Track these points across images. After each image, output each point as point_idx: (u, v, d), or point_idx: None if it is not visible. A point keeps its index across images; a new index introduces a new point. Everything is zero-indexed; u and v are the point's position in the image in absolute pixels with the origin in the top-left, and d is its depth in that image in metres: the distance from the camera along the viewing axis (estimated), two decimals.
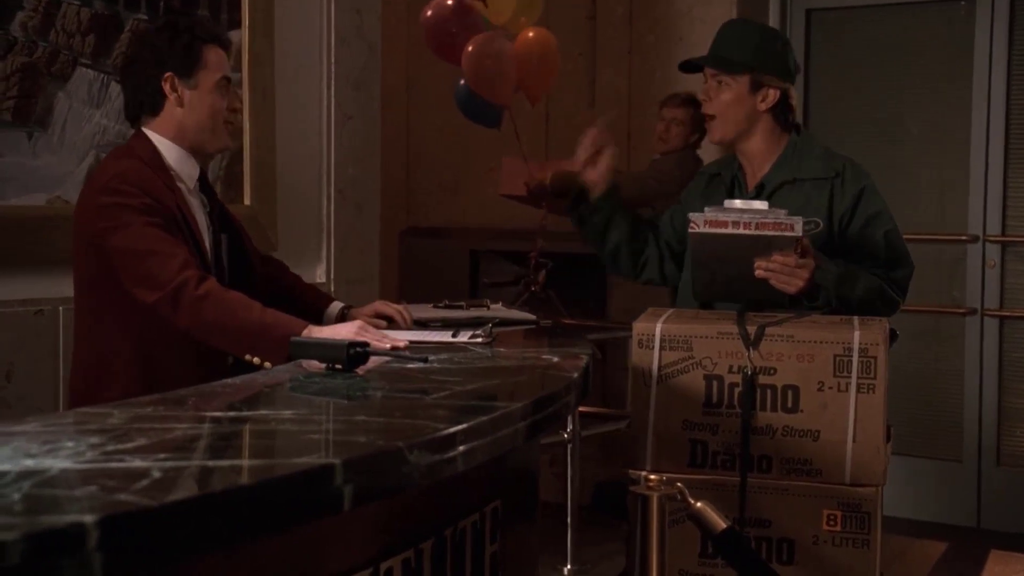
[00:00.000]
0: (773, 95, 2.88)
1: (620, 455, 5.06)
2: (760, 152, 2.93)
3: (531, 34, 4.58)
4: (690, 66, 3.03)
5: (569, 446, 4.14)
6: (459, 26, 4.45)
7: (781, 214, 2.64)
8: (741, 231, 2.63)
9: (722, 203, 2.82)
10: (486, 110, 4.64)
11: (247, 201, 3.59)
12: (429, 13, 4.53)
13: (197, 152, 2.56)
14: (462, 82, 4.69)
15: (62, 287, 2.87)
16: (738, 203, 2.73)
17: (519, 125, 4.82)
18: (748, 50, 2.89)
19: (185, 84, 2.48)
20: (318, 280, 3.94)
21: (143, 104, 2.52)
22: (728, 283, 2.73)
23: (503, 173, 4.97)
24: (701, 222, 2.64)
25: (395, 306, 2.69)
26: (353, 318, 2.66)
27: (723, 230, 2.63)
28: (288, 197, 3.77)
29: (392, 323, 2.61)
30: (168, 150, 2.49)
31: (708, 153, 4.83)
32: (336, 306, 2.76)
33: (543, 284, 4.82)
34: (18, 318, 2.99)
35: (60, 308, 3.03)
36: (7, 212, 2.94)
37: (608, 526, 4.50)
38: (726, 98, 2.89)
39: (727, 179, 3.00)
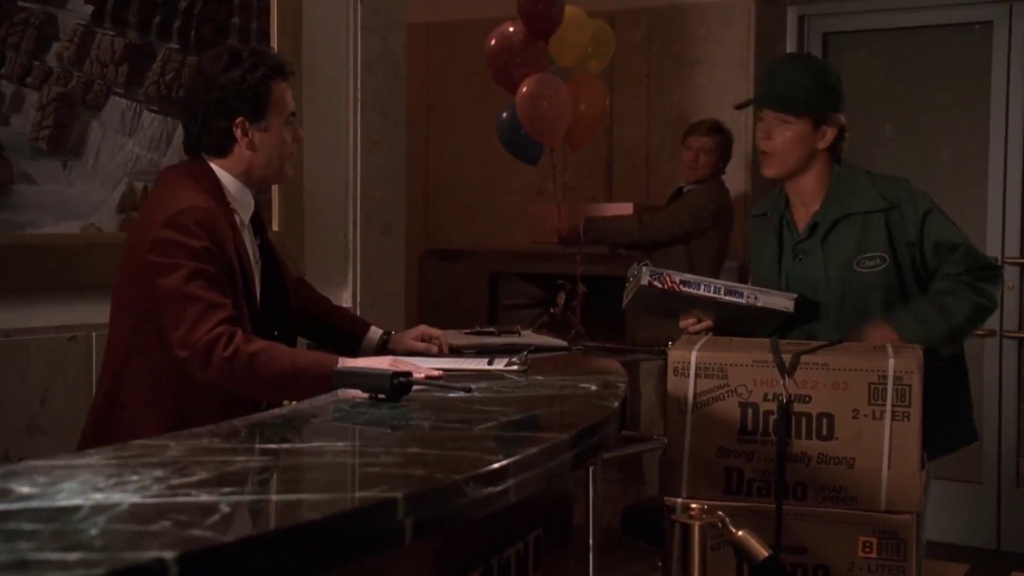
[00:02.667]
0: (831, 133, 2.84)
1: (640, 477, 5.08)
2: (812, 189, 2.88)
3: (586, 82, 4.66)
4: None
5: (591, 469, 4.14)
6: (522, 59, 4.54)
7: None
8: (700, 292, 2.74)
9: (775, 247, 2.89)
10: (527, 146, 4.70)
11: (275, 227, 3.62)
12: (493, 42, 4.61)
13: (260, 187, 2.53)
14: (504, 115, 4.74)
15: (96, 313, 2.90)
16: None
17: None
18: (809, 89, 2.81)
19: (256, 127, 2.39)
20: (343, 304, 3.97)
21: (209, 146, 2.40)
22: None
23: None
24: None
25: (437, 332, 2.69)
26: (395, 347, 2.67)
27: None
28: (315, 222, 3.79)
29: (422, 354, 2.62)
30: (230, 183, 2.42)
31: (730, 179, 4.87)
32: (376, 333, 2.72)
33: (563, 306, 4.84)
34: (52, 344, 3.02)
35: (93, 334, 3.06)
36: (43, 240, 2.97)
37: (631, 549, 4.51)
38: (787, 137, 2.82)
39: (775, 220, 2.95)
